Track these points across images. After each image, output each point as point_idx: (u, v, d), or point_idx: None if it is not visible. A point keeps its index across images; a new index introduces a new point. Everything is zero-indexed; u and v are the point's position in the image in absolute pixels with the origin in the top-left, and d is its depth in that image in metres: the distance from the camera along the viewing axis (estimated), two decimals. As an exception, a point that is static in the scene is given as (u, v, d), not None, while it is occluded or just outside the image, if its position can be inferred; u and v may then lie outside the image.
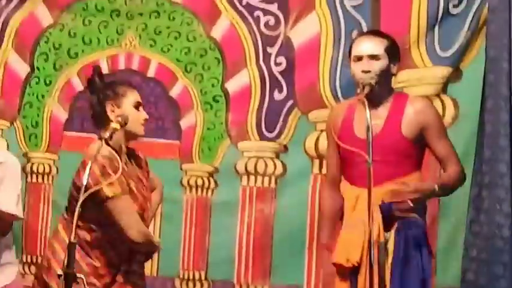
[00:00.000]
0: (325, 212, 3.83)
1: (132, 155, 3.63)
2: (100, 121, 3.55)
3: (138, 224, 3.45)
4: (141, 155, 3.69)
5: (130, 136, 3.57)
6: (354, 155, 3.48)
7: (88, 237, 3.46)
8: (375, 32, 3.76)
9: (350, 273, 3.55)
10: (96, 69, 3.66)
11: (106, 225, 3.45)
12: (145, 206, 3.55)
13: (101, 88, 3.57)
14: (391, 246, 3.50)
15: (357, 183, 3.57)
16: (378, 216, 3.45)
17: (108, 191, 3.36)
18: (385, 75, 3.58)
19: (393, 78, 3.71)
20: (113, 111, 3.52)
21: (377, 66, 3.56)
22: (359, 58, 3.59)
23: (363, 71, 3.54)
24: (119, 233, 3.42)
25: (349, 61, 3.69)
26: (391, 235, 3.52)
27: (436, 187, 3.52)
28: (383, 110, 3.58)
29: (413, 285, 3.51)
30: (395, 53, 3.64)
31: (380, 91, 3.56)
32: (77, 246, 3.34)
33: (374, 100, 3.52)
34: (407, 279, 3.49)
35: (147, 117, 3.59)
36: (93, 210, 3.38)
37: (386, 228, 3.50)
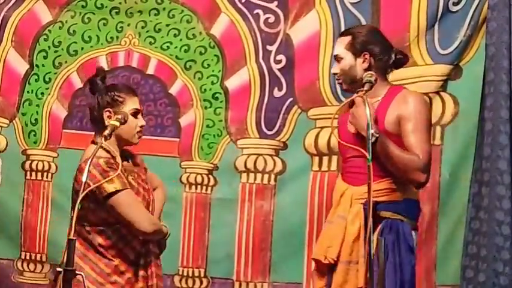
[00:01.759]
0: None
1: (127, 155, 3.63)
2: (97, 125, 3.57)
3: (146, 215, 3.48)
4: (135, 153, 3.68)
5: (123, 142, 3.56)
6: (343, 150, 3.55)
7: (100, 239, 3.47)
8: (341, 33, 3.79)
9: (327, 270, 3.55)
10: (100, 70, 3.67)
11: (114, 223, 3.46)
12: (148, 198, 3.56)
13: (101, 91, 3.57)
14: (373, 249, 3.45)
15: (345, 179, 3.58)
16: (360, 214, 3.44)
17: (109, 188, 3.37)
18: (352, 72, 3.55)
19: (388, 71, 3.62)
20: (110, 117, 3.52)
21: (339, 67, 3.60)
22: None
23: (333, 73, 3.64)
24: (129, 227, 3.43)
25: None
26: (375, 238, 3.42)
27: (374, 132, 3.27)
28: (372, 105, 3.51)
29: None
30: (360, 47, 3.56)
31: (371, 87, 3.43)
32: (91, 250, 3.46)
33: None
34: (387, 282, 3.46)
35: (143, 123, 3.58)
36: (98, 211, 3.42)
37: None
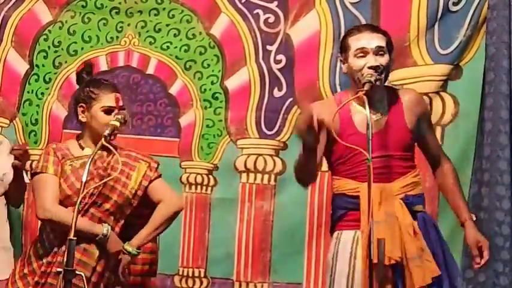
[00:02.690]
0: None
1: (106, 147, 3.46)
2: (76, 119, 3.62)
3: (46, 201, 3.46)
4: (119, 153, 3.52)
5: (98, 137, 3.47)
6: (362, 153, 3.31)
7: None
8: (373, 27, 3.65)
9: (392, 274, 3.40)
10: (87, 65, 3.69)
11: None
12: (85, 194, 3.40)
13: (81, 86, 3.59)
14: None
15: (373, 179, 3.33)
16: (405, 208, 3.39)
17: (34, 166, 3.57)
18: (387, 71, 3.47)
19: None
20: (83, 112, 3.55)
21: (384, 60, 3.43)
22: (365, 52, 3.43)
23: (371, 67, 3.40)
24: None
25: (341, 56, 3.57)
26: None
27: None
28: (381, 105, 3.48)
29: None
30: (392, 48, 3.52)
31: (380, 86, 3.44)
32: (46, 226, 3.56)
33: (373, 96, 3.39)
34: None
35: (116, 125, 3.45)
36: None
37: None
